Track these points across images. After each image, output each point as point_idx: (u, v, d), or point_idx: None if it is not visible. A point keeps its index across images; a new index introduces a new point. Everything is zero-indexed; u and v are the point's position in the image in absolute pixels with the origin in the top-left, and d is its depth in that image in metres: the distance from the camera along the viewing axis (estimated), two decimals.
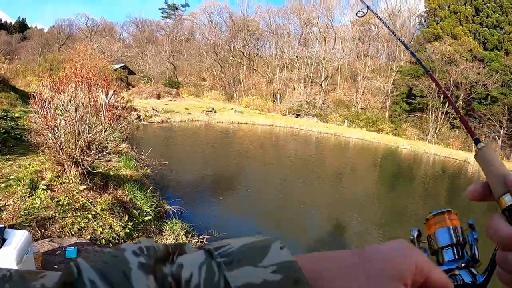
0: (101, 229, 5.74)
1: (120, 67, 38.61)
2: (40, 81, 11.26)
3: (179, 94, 37.53)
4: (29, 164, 7.23)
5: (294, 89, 40.92)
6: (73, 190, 6.39)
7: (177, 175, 12.25)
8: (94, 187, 6.86)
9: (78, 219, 5.69)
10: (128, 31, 59.06)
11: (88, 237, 5.44)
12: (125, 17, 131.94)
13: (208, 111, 29.74)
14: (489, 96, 30.33)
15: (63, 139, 6.40)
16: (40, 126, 6.42)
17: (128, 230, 6.09)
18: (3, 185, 6.00)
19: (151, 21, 59.25)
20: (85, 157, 6.58)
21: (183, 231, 6.99)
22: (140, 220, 6.88)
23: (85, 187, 6.61)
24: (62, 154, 6.45)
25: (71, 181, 6.58)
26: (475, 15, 32.68)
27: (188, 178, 12.23)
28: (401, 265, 0.30)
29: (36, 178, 6.39)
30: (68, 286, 0.25)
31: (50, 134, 6.33)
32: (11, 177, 6.34)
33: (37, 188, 6.03)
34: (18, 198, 5.65)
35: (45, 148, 6.75)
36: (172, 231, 6.88)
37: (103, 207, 6.28)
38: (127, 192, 7.50)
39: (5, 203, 5.48)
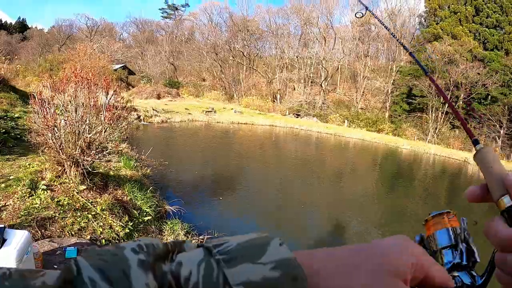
0: (101, 229, 5.74)
1: (120, 67, 38.61)
2: (40, 81, 11.27)
3: (179, 94, 37.53)
4: (29, 164, 7.23)
5: (294, 89, 40.92)
6: (73, 190, 6.39)
7: (177, 175, 12.26)
8: (94, 187, 6.86)
9: (78, 219, 5.69)
10: (128, 31, 59.14)
11: (88, 237, 5.44)
12: (125, 17, 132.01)
13: (208, 111, 29.74)
14: (489, 96, 30.33)
15: (63, 139, 6.40)
16: (40, 126, 6.42)
17: (128, 230, 6.09)
18: (3, 185, 6.00)
19: (151, 21, 59.31)
20: (85, 157, 6.58)
21: (183, 231, 7.00)
22: (140, 220, 6.88)
23: (85, 187, 6.61)
24: (62, 154, 6.45)
25: (71, 181, 6.58)
26: (475, 15, 32.68)
27: (188, 178, 12.23)
28: (401, 261, 0.30)
29: (36, 178, 6.39)
30: (68, 284, 0.25)
31: (50, 134, 6.33)
32: (11, 177, 6.34)
33: (37, 188, 6.03)
34: (18, 198, 5.65)
35: (45, 148, 6.75)
36: (172, 231, 6.89)
37: (103, 207, 6.28)
38: (127, 192, 7.50)
39: (5, 203, 5.48)
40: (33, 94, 6.48)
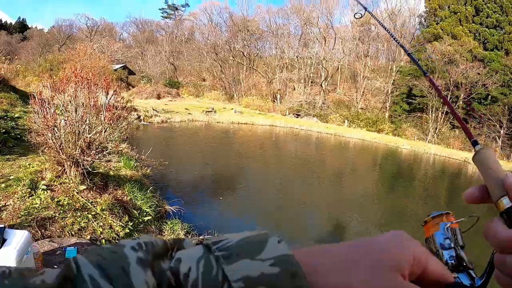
0: (101, 229, 5.74)
1: (120, 67, 38.61)
2: (40, 81, 11.27)
3: (179, 94, 37.53)
4: (29, 164, 7.23)
5: (294, 89, 40.92)
6: (73, 190, 6.39)
7: (177, 175, 12.26)
8: (94, 187, 6.86)
9: (78, 219, 5.69)
10: (128, 31, 59.14)
11: (88, 237, 5.44)
12: (125, 17, 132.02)
13: (208, 111, 29.74)
14: (489, 96, 30.33)
15: (63, 139, 6.40)
16: (40, 126, 6.42)
17: (128, 230, 6.09)
18: (3, 185, 6.00)
19: (151, 21, 59.31)
20: (85, 157, 6.59)
21: (183, 231, 7.00)
22: (140, 220, 6.89)
23: (85, 187, 6.61)
24: (62, 154, 6.45)
25: (71, 181, 6.58)
26: (475, 15, 32.68)
27: (188, 178, 12.23)
28: (399, 256, 0.30)
29: (36, 178, 6.40)
30: (67, 282, 0.25)
31: (50, 134, 6.33)
32: (11, 177, 6.35)
33: (37, 188, 6.04)
34: (18, 198, 5.65)
35: (45, 148, 6.75)
36: (172, 231, 6.89)
37: (103, 207, 6.28)
38: (127, 192, 7.50)
39: (5, 203, 5.48)
40: (33, 94, 6.48)
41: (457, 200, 13.47)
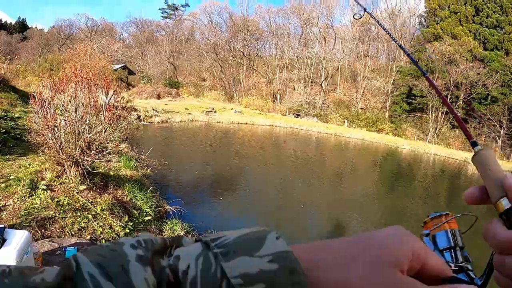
0: (101, 229, 5.74)
1: (120, 67, 38.61)
2: (40, 81, 11.26)
3: (179, 94, 37.53)
4: (29, 164, 7.23)
5: (294, 89, 40.92)
6: (73, 190, 6.39)
7: (177, 175, 12.26)
8: (94, 187, 6.86)
9: (78, 219, 5.69)
10: (128, 31, 59.13)
11: (88, 237, 5.44)
12: (125, 17, 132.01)
13: (208, 111, 29.74)
14: (489, 96, 30.33)
15: (63, 139, 6.40)
16: (40, 126, 6.42)
17: (128, 230, 6.09)
18: (3, 185, 6.01)
19: (151, 21, 59.30)
20: (85, 157, 6.59)
21: (183, 231, 7.01)
22: (140, 220, 6.89)
23: (85, 187, 6.61)
24: (62, 154, 6.46)
25: (71, 181, 6.58)
26: (475, 15, 32.68)
27: (188, 178, 12.23)
28: (398, 252, 0.30)
29: (36, 178, 6.40)
30: (67, 280, 0.25)
31: (50, 134, 6.33)
32: (11, 177, 6.35)
33: (37, 188, 6.04)
34: (18, 198, 5.66)
35: (45, 148, 6.75)
36: (172, 231, 6.89)
37: (103, 207, 6.28)
38: (127, 192, 7.50)
39: (5, 203, 5.48)
40: (33, 94, 6.48)
41: (457, 200, 13.47)
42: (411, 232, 0.32)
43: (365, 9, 1.35)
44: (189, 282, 0.25)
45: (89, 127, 6.57)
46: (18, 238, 3.40)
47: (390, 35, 1.02)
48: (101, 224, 5.89)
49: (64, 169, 6.68)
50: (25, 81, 24.11)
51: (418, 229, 0.57)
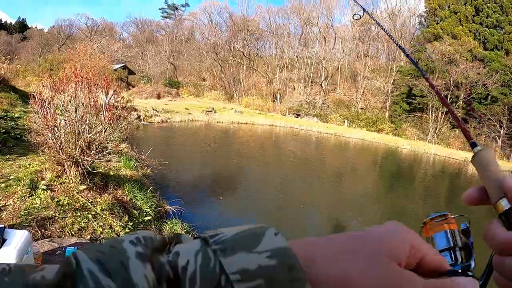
0: (101, 229, 5.75)
1: (120, 67, 38.61)
2: (40, 81, 11.27)
3: (179, 94, 37.53)
4: (29, 164, 7.23)
5: (294, 89, 40.92)
6: (73, 190, 6.39)
7: (177, 175, 12.26)
8: (94, 187, 6.86)
9: (78, 219, 5.70)
10: (128, 31, 59.12)
11: (88, 237, 5.44)
12: (125, 17, 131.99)
13: (208, 111, 29.74)
14: (489, 96, 30.33)
15: (63, 139, 6.40)
16: (40, 126, 6.43)
17: (128, 230, 6.09)
18: (3, 185, 6.01)
19: (151, 21, 59.29)
20: (85, 157, 6.59)
21: (183, 231, 7.00)
22: (140, 220, 6.89)
23: (85, 187, 6.62)
24: (62, 154, 6.46)
25: (71, 181, 6.58)
26: (475, 15, 32.68)
27: (188, 178, 12.23)
28: (396, 247, 0.30)
29: (36, 178, 6.40)
30: (67, 277, 0.25)
31: (50, 134, 6.33)
32: (11, 177, 6.35)
33: (37, 188, 6.04)
34: (18, 198, 5.66)
35: (45, 148, 6.75)
36: (172, 231, 6.89)
37: (103, 207, 6.28)
38: (127, 192, 7.50)
39: (5, 203, 5.49)
40: (33, 94, 6.48)
41: (457, 200, 13.47)
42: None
43: (364, 10, 1.34)
44: (188, 278, 0.26)
45: (89, 127, 6.57)
46: (18, 238, 3.40)
47: (389, 35, 1.02)
48: (101, 224, 5.89)
49: (64, 169, 6.68)
50: (25, 81, 24.10)
51: (418, 229, 0.58)
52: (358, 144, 26.80)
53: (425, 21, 37.63)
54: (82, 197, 6.34)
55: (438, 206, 13.23)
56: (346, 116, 33.86)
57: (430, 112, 31.18)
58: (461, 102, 30.94)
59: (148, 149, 11.17)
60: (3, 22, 57.02)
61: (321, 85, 38.40)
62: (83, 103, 6.53)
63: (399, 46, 0.89)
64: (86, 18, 53.09)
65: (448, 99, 30.17)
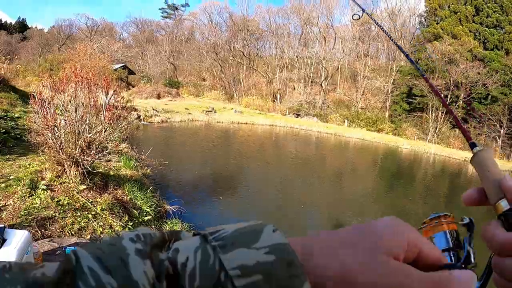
0: (101, 229, 5.75)
1: (120, 67, 38.61)
2: (40, 81, 11.27)
3: (179, 94, 37.53)
4: (29, 164, 7.23)
5: (294, 89, 40.92)
6: (73, 190, 6.39)
7: (177, 175, 12.26)
8: (94, 187, 6.86)
9: (78, 219, 5.70)
10: (128, 31, 59.12)
11: (88, 237, 5.44)
12: (125, 17, 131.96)
13: (208, 111, 29.74)
14: (489, 96, 30.33)
15: (63, 139, 6.40)
16: (40, 126, 6.43)
17: (128, 230, 6.09)
18: (3, 185, 6.01)
19: (151, 21, 59.30)
20: (85, 157, 6.59)
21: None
22: (140, 220, 6.89)
23: (85, 187, 6.62)
24: (62, 154, 6.46)
25: (71, 181, 6.58)
26: (475, 15, 32.68)
27: (188, 178, 12.23)
28: (394, 241, 0.31)
29: (36, 178, 6.40)
30: (67, 274, 0.25)
31: (50, 134, 6.33)
32: (11, 177, 6.35)
33: (37, 188, 6.04)
34: (18, 198, 5.66)
35: (45, 148, 6.76)
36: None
37: (103, 207, 6.28)
38: (127, 192, 7.50)
39: (5, 203, 5.49)
40: (33, 94, 6.49)
41: (457, 199, 13.46)
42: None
43: (363, 10, 1.34)
44: (188, 275, 0.26)
45: (89, 127, 6.57)
46: (18, 238, 3.40)
47: (388, 35, 1.02)
48: (101, 223, 5.89)
49: (64, 169, 6.68)
50: (25, 81, 24.10)
51: (417, 230, 0.57)
52: (358, 144, 26.80)
53: (425, 20, 37.64)
54: (82, 197, 6.34)
55: (438, 205, 13.23)
56: (346, 116, 33.86)
57: (430, 111, 31.18)
58: (461, 102, 30.94)
59: (148, 149, 11.17)
60: (3, 22, 57.03)
61: (321, 85, 38.39)
62: (83, 103, 6.53)
63: (398, 47, 0.88)
64: (86, 18, 53.05)
65: (448, 99, 30.17)
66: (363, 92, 37.10)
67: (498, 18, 31.42)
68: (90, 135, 6.57)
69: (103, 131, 6.77)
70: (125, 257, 0.26)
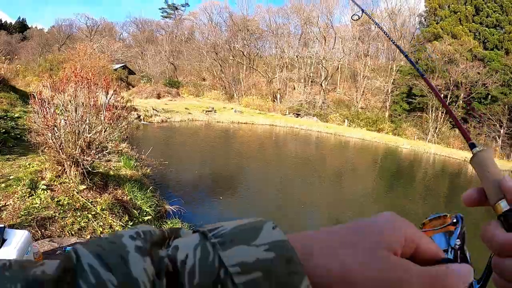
0: (101, 229, 5.75)
1: (120, 67, 38.61)
2: (40, 81, 11.27)
3: (179, 94, 37.53)
4: (29, 164, 7.23)
5: (294, 88, 40.91)
6: (73, 190, 6.39)
7: (177, 174, 12.26)
8: (94, 187, 6.87)
9: (78, 219, 5.70)
10: (128, 31, 59.11)
11: (88, 237, 5.44)
12: (125, 17, 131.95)
13: (208, 111, 29.74)
14: (489, 96, 30.33)
15: (63, 139, 6.40)
16: (40, 126, 6.43)
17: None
18: (3, 185, 6.01)
19: (151, 21, 59.29)
20: (85, 157, 6.59)
21: None
22: (140, 220, 6.89)
23: (85, 187, 6.62)
24: (62, 154, 6.46)
25: (71, 181, 6.58)
26: (475, 15, 32.67)
27: (188, 177, 12.23)
28: (392, 237, 0.31)
29: (36, 178, 6.40)
30: (68, 272, 0.25)
31: (50, 134, 6.33)
32: (11, 177, 6.35)
33: (37, 188, 6.04)
34: (18, 198, 5.66)
35: (45, 148, 6.76)
36: None
37: (103, 207, 6.29)
38: (127, 192, 7.50)
39: (5, 203, 5.49)
40: (33, 94, 6.49)
41: (457, 199, 13.47)
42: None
43: (363, 10, 1.34)
44: (187, 272, 0.26)
45: (89, 126, 6.57)
46: (18, 238, 3.40)
47: (387, 35, 1.01)
48: (101, 223, 5.89)
49: (64, 169, 6.68)
50: (25, 81, 24.10)
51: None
52: (358, 144, 26.80)
53: (425, 20, 37.64)
54: (82, 197, 6.34)
55: (438, 205, 13.23)
56: (346, 116, 33.86)
57: (430, 111, 31.18)
58: (461, 102, 30.94)
59: (148, 149, 11.17)
60: (3, 22, 57.02)
61: (321, 84, 38.39)
62: (83, 103, 6.53)
63: (398, 47, 0.88)
64: (86, 18, 53.06)
65: (448, 98, 30.18)
66: (363, 92, 37.10)
67: (498, 18, 31.42)
68: (90, 135, 6.57)
69: (103, 131, 6.77)
70: (125, 255, 0.26)
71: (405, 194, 14.66)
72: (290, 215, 9.94)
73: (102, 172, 8.05)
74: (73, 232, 5.36)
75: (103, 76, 9.06)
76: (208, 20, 49.37)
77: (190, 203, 9.14)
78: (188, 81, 44.52)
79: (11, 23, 59.79)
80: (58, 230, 5.24)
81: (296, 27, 42.83)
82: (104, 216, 6.09)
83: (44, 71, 23.90)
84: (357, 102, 37.07)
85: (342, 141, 27.16)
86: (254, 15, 46.13)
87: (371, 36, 37.95)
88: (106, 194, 6.91)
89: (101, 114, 6.77)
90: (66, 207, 5.84)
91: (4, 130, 9.14)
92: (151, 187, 8.56)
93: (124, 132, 7.66)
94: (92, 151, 6.70)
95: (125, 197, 7.30)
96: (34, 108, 6.54)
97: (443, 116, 30.60)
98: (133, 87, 36.55)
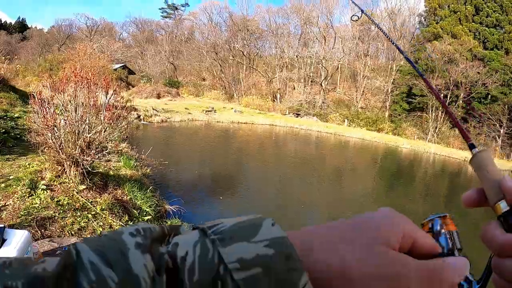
0: (101, 229, 5.75)
1: (120, 67, 38.62)
2: (40, 81, 11.28)
3: (179, 93, 37.52)
4: (29, 164, 7.23)
5: (294, 88, 40.91)
6: (73, 190, 6.39)
7: (177, 174, 12.26)
8: (94, 187, 6.86)
9: (78, 219, 5.70)
10: (128, 31, 59.10)
11: (88, 237, 5.44)
12: (125, 17, 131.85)
13: (208, 111, 29.74)
14: (489, 96, 30.34)
15: (62, 139, 6.40)
16: (40, 126, 6.43)
17: None
18: (3, 185, 6.00)
19: (151, 21, 59.27)
20: (85, 157, 6.59)
21: None
22: (140, 219, 6.89)
23: (85, 187, 6.62)
24: (62, 154, 6.46)
25: (71, 181, 6.58)
26: (475, 14, 32.67)
27: (188, 177, 12.23)
28: (390, 233, 0.31)
29: (36, 178, 6.40)
30: (68, 268, 0.25)
31: (49, 134, 6.33)
32: (11, 177, 6.34)
33: (37, 188, 6.04)
34: (18, 198, 5.66)
35: (45, 148, 6.75)
36: None
37: (103, 207, 6.28)
38: (127, 192, 7.50)
39: (5, 203, 5.48)
40: (33, 94, 6.49)
41: (457, 199, 13.47)
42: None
43: (362, 11, 1.33)
44: (187, 268, 0.26)
45: (88, 126, 6.57)
46: (18, 238, 3.40)
47: (387, 36, 1.01)
48: (101, 223, 5.89)
49: (64, 169, 6.68)
50: (25, 81, 24.10)
51: None
52: (358, 144, 26.80)
53: (425, 20, 37.63)
54: (82, 197, 6.34)
55: (438, 205, 13.23)
56: (346, 116, 33.87)
57: (430, 111, 31.19)
58: (461, 102, 30.94)
59: (148, 148, 11.16)
60: (3, 22, 57.00)
61: (321, 84, 38.39)
62: (82, 103, 6.53)
63: (398, 48, 0.88)
64: (86, 18, 53.11)
65: (448, 98, 30.18)
66: (363, 91, 37.10)
67: (498, 17, 31.42)
68: (90, 135, 6.57)
69: (102, 131, 6.77)
70: (125, 251, 0.26)
71: (405, 193, 14.67)
72: (290, 215, 9.94)
73: (102, 172, 8.05)
74: (73, 232, 5.36)
75: (103, 76, 9.06)
76: (208, 20, 49.40)
77: (190, 203, 9.15)
78: (188, 81, 44.52)
79: (11, 23, 59.79)
80: (58, 230, 5.24)
81: (296, 27, 42.87)
82: (104, 216, 6.09)
83: (44, 71, 23.92)
84: (357, 102, 37.08)
85: (342, 141, 27.16)
86: (254, 15, 46.16)
87: (371, 36, 37.95)
88: (106, 194, 6.91)
89: (101, 114, 6.77)
90: (66, 207, 5.84)
91: (4, 130, 9.14)
92: (151, 187, 8.56)
93: (124, 132, 7.66)
94: (92, 151, 6.70)
95: (125, 197, 7.30)
96: (34, 108, 6.54)
97: (443, 116, 30.59)
98: (133, 87, 36.56)
